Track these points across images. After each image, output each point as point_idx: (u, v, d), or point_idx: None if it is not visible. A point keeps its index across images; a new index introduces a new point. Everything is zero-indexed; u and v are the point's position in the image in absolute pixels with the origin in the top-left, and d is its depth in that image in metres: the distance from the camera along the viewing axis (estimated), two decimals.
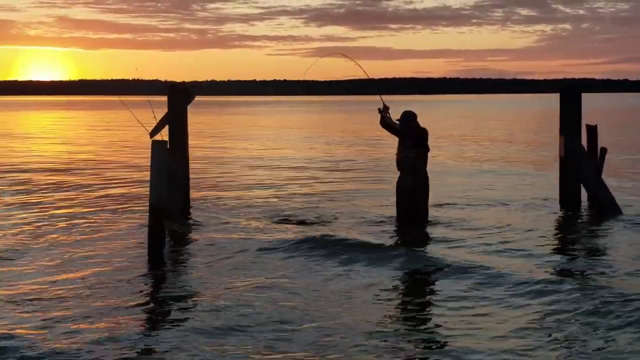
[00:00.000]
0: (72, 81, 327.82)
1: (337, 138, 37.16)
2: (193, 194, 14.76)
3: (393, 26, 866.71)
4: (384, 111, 12.38)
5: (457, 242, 11.08)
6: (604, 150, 13.69)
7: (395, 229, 12.12)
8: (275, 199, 15.57)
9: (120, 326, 7.24)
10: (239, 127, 49.41)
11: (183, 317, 7.54)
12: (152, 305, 8.06)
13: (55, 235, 11.80)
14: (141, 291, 8.55)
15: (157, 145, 9.56)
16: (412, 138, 12.02)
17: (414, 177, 12.00)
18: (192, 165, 15.27)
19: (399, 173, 12.27)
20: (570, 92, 14.36)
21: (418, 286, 8.99)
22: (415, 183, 12.02)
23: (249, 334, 6.98)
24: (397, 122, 12.28)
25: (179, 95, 13.89)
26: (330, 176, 19.99)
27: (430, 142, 12.21)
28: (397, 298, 8.44)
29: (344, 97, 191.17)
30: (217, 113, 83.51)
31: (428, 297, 8.45)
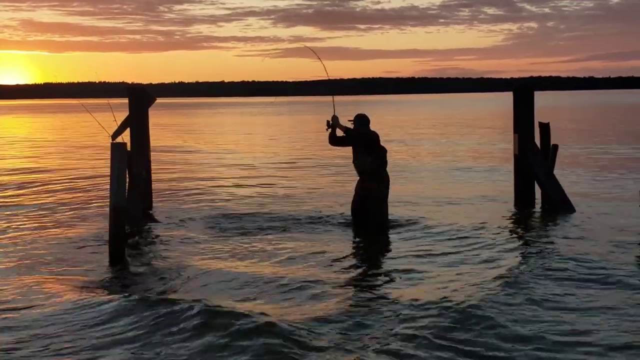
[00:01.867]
0: (33, 85, 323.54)
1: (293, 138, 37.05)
2: (155, 195, 14.61)
3: (361, 26, 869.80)
4: (332, 126, 11.85)
5: (414, 240, 11.09)
6: (555, 147, 13.80)
7: (349, 232, 11.78)
8: (232, 200, 15.43)
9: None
10: (194, 128, 49.14)
11: (144, 314, 7.39)
12: (113, 304, 7.90)
13: (14, 234, 11.61)
14: (102, 293, 8.39)
15: (116, 147, 9.43)
16: (364, 142, 11.65)
17: (374, 181, 11.67)
18: (154, 166, 15.13)
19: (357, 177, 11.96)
20: (523, 91, 14.49)
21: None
22: (375, 187, 11.68)
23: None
24: (347, 127, 11.83)
25: (140, 98, 13.77)
26: (286, 175, 19.93)
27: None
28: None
29: (316, 98, 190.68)
30: (182, 114, 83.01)
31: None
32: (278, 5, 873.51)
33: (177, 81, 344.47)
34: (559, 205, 13.48)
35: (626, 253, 9.86)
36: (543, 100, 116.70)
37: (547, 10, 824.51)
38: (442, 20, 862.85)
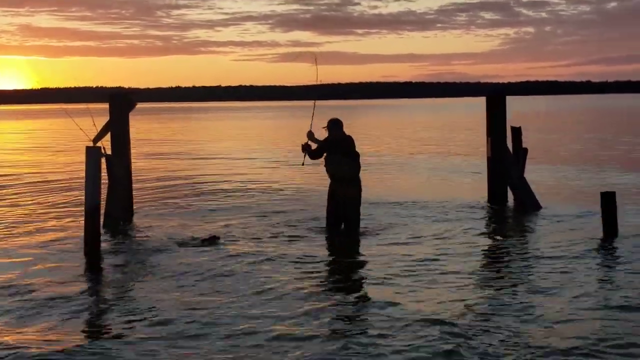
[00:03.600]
0: (14, 90, 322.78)
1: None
2: (135, 199, 14.57)
3: (359, 31, 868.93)
4: (307, 146, 11.71)
5: (389, 239, 11.18)
6: (525, 151, 13.96)
7: (325, 236, 11.63)
8: (216, 203, 15.40)
9: (55, 329, 7.10)
10: (179, 133, 49.09)
11: (119, 320, 7.40)
12: (86, 307, 7.90)
13: None
14: (77, 295, 8.38)
15: (90, 151, 9.45)
16: (341, 148, 11.51)
17: (355, 187, 11.55)
18: (135, 171, 15.10)
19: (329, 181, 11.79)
20: (496, 96, 14.64)
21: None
22: (355, 193, 11.56)
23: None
24: (320, 141, 11.73)
25: (120, 102, 13.75)
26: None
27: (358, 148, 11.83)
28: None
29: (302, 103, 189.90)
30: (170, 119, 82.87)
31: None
32: (275, 10, 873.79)
33: (174, 86, 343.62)
34: (527, 203, 13.75)
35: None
36: (532, 105, 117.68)
37: (544, 14, 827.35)
38: (440, 25, 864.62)
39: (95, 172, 9.46)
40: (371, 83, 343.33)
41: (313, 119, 11.84)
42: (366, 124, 58.54)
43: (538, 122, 53.57)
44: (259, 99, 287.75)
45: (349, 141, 11.62)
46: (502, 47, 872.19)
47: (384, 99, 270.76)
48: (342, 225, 11.75)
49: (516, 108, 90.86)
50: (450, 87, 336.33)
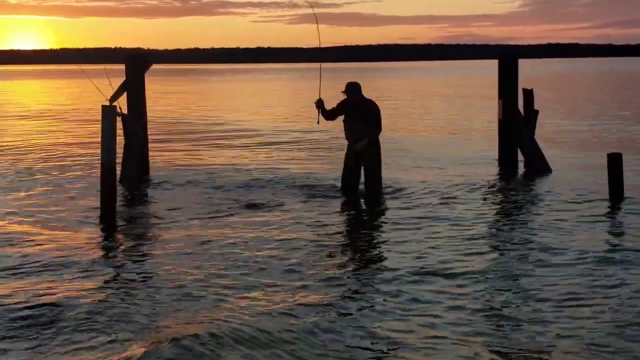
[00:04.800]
0: (32, 50, 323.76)
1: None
2: (152, 158, 14.73)
3: None
4: (319, 106, 11.59)
5: (405, 201, 11.15)
6: (536, 113, 13.99)
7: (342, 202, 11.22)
8: (235, 167, 15.10)
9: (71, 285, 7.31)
10: (199, 95, 49.17)
11: (131, 276, 7.56)
12: (100, 262, 8.10)
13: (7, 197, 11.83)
14: (92, 249, 8.59)
15: (106, 110, 9.62)
16: (358, 112, 11.31)
17: (368, 144, 11.31)
18: (152, 130, 15.26)
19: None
20: (507, 58, 14.62)
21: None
22: (366, 149, 11.33)
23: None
24: (333, 108, 11.61)
25: (136, 63, 13.90)
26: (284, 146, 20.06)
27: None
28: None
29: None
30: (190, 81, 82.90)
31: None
32: None
33: (192, 47, 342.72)
34: (538, 166, 13.82)
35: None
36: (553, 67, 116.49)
37: None
38: None
39: (111, 131, 9.63)
40: (370, 46, 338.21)
41: (321, 83, 11.60)
42: (398, 86, 58.39)
43: (556, 83, 53.31)
44: (273, 61, 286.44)
45: (369, 105, 11.40)
46: (521, 9, 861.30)
47: (391, 61, 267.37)
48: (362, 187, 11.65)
49: (535, 71, 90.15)
50: (461, 49, 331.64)
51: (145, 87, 13.88)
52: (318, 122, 11.90)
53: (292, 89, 59.01)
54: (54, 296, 6.78)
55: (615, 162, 10.62)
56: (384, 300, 6.64)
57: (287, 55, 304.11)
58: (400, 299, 6.66)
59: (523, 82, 14.84)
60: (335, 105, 11.66)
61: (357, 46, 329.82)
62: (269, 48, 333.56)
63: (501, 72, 14.54)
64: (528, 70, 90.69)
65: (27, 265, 7.85)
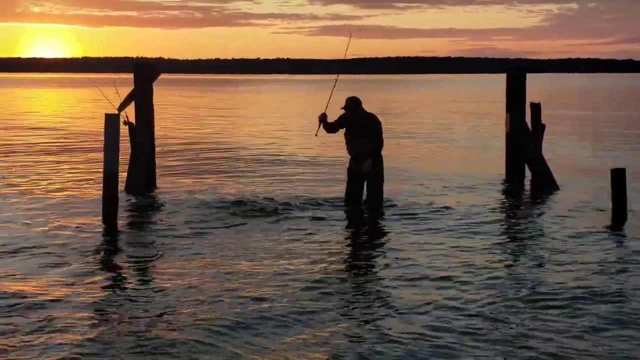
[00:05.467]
0: (39, 59, 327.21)
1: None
2: (159, 167, 14.72)
3: (399, 5, 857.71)
4: (322, 121, 11.45)
5: (411, 218, 10.93)
6: (542, 127, 13.94)
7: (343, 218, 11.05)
8: (242, 181, 14.86)
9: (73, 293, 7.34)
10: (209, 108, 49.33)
11: (131, 286, 7.56)
12: (101, 272, 8.11)
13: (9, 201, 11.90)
14: (93, 259, 8.60)
15: (109, 118, 9.66)
16: (359, 126, 11.24)
17: (378, 166, 11.25)
18: (160, 140, 15.27)
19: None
20: (516, 72, 14.59)
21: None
22: (371, 168, 11.23)
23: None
24: (334, 122, 11.46)
25: (145, 72, 13.94)
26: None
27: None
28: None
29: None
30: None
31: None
32: None
33: (214, 57, 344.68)
34: (544, 181, 13.72)
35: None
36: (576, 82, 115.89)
37: None
38: (481, 0, 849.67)
39: (114, 139, 9.67)
40: (377, 58, 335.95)
41: (332, 95, 11.51)
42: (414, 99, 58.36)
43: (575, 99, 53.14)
44: (288, 72, 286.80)
45: (369, 120, 11.32)
46: (543, 23, 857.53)
47: (397, 74, 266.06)
48: (364, 203, 11.54)
49: (553, 85, 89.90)
50: (469, 63, 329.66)
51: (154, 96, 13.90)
52: (316, 135, 11.83)
53: (303, 100, 59.06)
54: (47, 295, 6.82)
55: (618, 177, 10.54)
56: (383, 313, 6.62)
57: (299, 66, 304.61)
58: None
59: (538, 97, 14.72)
60: (336, 119, 11.55)
61: (353, 59, 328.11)
62: (281, 59, 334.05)
63: (509, 86, 14.49)
64: (549, 85, 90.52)
65: (26, 264, 7.89)
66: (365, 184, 11.57)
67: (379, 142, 11.28)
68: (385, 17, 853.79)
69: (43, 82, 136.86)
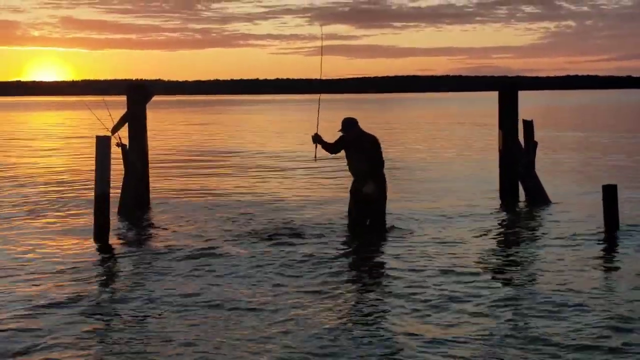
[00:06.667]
0: (31, 82, 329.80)
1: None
2: (153, 190, 14.71)
3: (397, 24, 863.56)
4: (318, 142, 11.23)
5: (407, 238, 10.89)
6: (535, 144, 14.00)
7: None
8: (238, 200, 14.92)
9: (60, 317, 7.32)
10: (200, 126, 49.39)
11: (122, 309, 7.50)
12: (96, 293, 8.10)
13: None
14: (86, 280, 8.59)
15: (100, 140, 9.68)
16: (358, 146, 11.10)
17: (373, 183, 11.04)
18: (154, 162, 15.25)
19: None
20: (508, 90, 14.64)
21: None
22: (374, 189, 11.04)
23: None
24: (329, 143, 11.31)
25: (138, 94, 14.00)
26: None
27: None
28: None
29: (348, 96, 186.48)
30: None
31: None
32: (314, 4, 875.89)
33: (212, 79, 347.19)
34: (537, 198, 13.77)
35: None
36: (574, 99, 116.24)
37: (585, 8, 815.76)
38: (479, 18, 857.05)
39: (106, 161, 9.69)
40: (368, 78, 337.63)
41: (319, 115, 11.35)
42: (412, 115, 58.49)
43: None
44: (276, 92, 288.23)
45: (366, 140, 11.15)
46: (542, 41, 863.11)
47: (390, 93, 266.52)
48: (367, 222, 11.32)
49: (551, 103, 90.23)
50: (461, 81, 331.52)
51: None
52: (315, 159, 11.64)
53: (293, 120, 59.15)
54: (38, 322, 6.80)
55: (610, 194, 10.58)
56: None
57: (287, 87, 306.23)
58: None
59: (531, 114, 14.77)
60: (336, 140, 11.39)
61: (340, 79, 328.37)
62: (270, 80, 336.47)
63: (501, 103, 14.54)
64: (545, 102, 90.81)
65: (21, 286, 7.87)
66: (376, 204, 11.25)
67: (375, 162, 11.07)
68: (383, 36, 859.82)
69: (37, 105, 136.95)
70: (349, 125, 11.22)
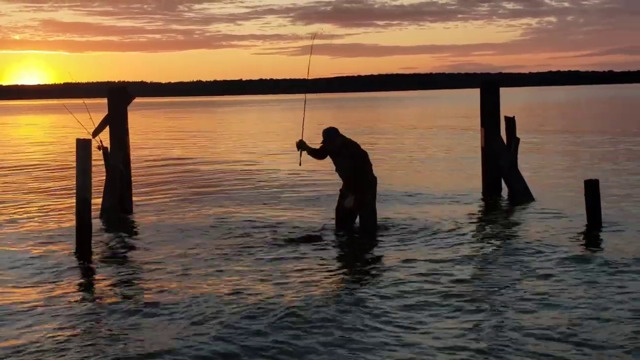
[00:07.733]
0: (14, 86, 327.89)
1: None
2: (135, 193, 14.62)
3: (380, 22, 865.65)
4: (303, 148, 11.12)
5: (392, 234, 10.93)
6: (517, 140, 14.04)
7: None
8: (223, 202, 14.72)
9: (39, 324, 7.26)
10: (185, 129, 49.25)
11: (105, 315, 7.40)
12: (77, 300, 8.02)
13: None
14: (66, 287, 8.51)
15: (80, 143, 9.61)
16: (344, 156, 10.93)
17: (353, 197, 10.88)
18: (136, 165, 15.17)
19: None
20: (489, 86, 14.69)
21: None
22: (354, 203, 10.91)
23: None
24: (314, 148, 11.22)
25: (119, 97, 13.92)
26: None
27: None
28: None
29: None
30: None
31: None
32: (297, 3, 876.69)
33: (195, 80, 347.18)
34: (520, 194, 13.79)
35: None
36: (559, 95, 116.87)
37: (566, 4, 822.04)
38: (461, 16, 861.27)
39: (86, 164, 9.61)
40: (351, 76, 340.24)
41: (304, 115, 11.32)
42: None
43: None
44: (260, 93, 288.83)
45: (349, 148, 10.97)
46: (523, 38, 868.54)
47: (372, 91, 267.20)
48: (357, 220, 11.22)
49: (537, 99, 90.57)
50: (443, 78, 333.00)
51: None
52: (300, 164, 11.55)
53: (278, 119, 59.10)
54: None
55: (592, 188, 10.62)
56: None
57: (268, 87, 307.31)
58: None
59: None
60: (319, 148, 11.22)
61: (325, 78, 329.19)
62: (254, 80, 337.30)
63: (483, 100, 14.59)
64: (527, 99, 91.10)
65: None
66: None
67: (359, 172, 10.88)
68: (366, 35, 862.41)
69: (18, 109, 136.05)
70: (330, 135, 11.00)
